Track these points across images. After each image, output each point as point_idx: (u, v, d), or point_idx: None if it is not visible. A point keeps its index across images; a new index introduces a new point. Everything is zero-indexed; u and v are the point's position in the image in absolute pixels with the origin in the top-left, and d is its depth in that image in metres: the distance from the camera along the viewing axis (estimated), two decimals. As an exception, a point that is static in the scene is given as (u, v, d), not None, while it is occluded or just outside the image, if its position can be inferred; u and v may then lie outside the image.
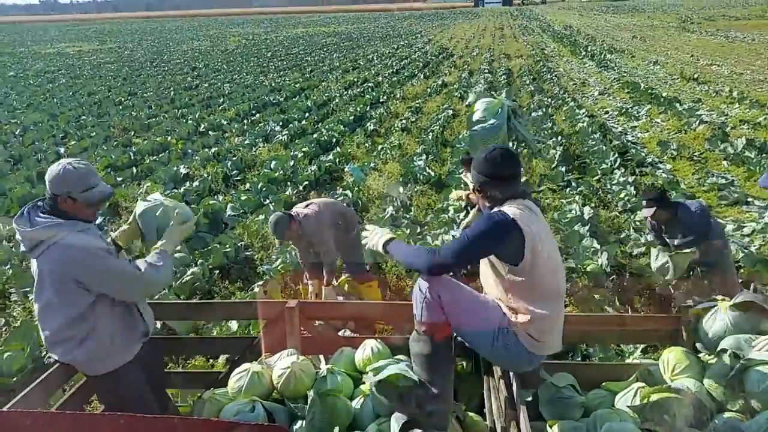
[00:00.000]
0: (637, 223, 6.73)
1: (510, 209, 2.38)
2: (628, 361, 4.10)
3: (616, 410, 2.48)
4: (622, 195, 7.60)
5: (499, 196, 2.47)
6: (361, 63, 26.45)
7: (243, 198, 7.72)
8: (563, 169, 8.73)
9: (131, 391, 2.70)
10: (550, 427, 2.48)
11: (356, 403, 2.71)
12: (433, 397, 2.45)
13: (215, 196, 8.14)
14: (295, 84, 20.10)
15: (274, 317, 3.22)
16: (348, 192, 7.89)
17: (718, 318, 2.71)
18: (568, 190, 8.04)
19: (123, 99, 18.31)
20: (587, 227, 6.41)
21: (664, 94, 15.11)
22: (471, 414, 2.83)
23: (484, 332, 2.49)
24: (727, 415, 2.38)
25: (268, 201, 7.79)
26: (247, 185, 8.56)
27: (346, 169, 9.29)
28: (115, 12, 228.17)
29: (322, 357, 3.14)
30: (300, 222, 4.56)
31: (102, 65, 30.03)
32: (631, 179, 8.16)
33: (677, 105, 13.71)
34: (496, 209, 2.43)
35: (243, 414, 2.53)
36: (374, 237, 2.64)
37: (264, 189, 8.17)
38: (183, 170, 9.35)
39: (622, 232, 6.72)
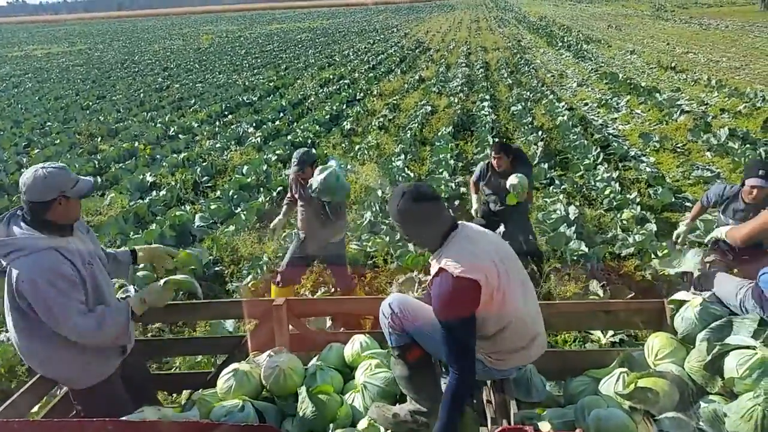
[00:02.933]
0: (624, 222, 6.49)
1: (453, 258, 2.22)
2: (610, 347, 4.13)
3: (603, 396, 2.51)
4: (606, 192, 7.35)
5: (433, 237, 2.34)
6: (337, 59, 26.01)
7: (213, 207, 7.31)
8: (545, 165, 8.47)
9: (111, 405, 2.63)
10: (539, 414, 2.49)
11: (347, 399, 2.70)
12: (426, 414, 2.45)
13: (183, 206, 7.72)
14: (269, 82, 19.62)
15: (261, 316, 3.21)
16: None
17: (686, 316, 2.76)
18: (551, 188, 7.78)
19: (91, 103, 17.68)
20: (573, 228, 6.15)
21: (642, 84, 14.97)
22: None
23: (443, 355, 2.44)
24: (709, 398, 2.45)
25: (239, 209, 7.40)
26: (218, 192, 8.16)
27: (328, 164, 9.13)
28: (85, 12, 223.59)
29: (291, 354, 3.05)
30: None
31: (70, 68, 29.15)
32: (615, 175, 7.93)
33: (657, 95, 13.57)
34: (437, 267, 2.27)
35: (233, 414, 2.51)
36: None
37: (235, 196, 7.77)
38: (149, 178, 8.89)
39: (608, 231, 6.48)
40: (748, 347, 2.43)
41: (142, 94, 18.73)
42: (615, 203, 6.98)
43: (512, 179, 4.92)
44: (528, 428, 1.94)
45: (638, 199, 7.02)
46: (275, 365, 2.75)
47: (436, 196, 2.35)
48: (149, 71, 25.38)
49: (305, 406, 2.54)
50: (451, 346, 2.26)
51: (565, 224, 6.30)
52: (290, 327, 3.25)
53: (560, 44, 26.48)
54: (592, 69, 18.96)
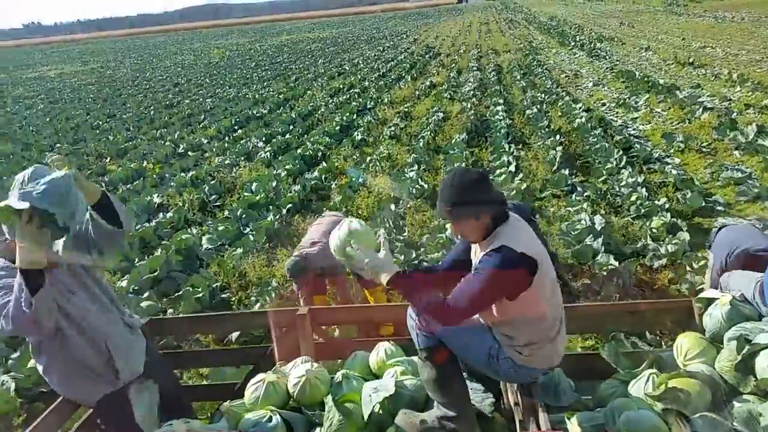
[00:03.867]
0: (654, 230, 6.10)
1: (512, 240, 2.25)
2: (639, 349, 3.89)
3: (633, 398, 2.48)
4: (633, 198, 6.95)
5: (489, 222, 2.34)
6: (347, 68, 25.81)
7: (220, 228, 7.04)
8: (566, 171, 8.09)
9: (129, 419, 2.60)
10: (568, 418, 2.46)
11: (374, 407, 2.62)
12: (454, 419, 2.46)
13: (190, 228, 7.46)
14: (279, 95, 19.44)
15: (285, 325, 3.24)
16: (336, 213, 7.24)
17: (714, 315, 2.73)
18: (573, 195, 7.39)
19: (101, 122, 17.62)
20: (600, 239, 5.77)
21: (661, 82, 14.49)
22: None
23: (476, 358, 2.50)
24: (742, 397, 2.40)
25: (248, 230, 7.12)
26: (226, 212, 7.89)
27: (346, 171, 9.62)
28: (99, 30, 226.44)
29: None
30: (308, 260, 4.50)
31: (82, 87, 29.32)
32: (640, 179, 7.52)
33: (677, 92, 13.11)
34: (499, 245, 2.26)
35: (261, 425, 2.53)
36: (373, 264, 2.37)
37: (244, 216, 7.50)
38: (157, 200, 8.66)
39: (638, 241, 6.08)
40: None
41: (152, 111, 18.66)
42: (643, 210, 6.58)
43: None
44: None
45: (667, 205, 6.61)
46: (301, 375, 2.76)
47: (489, 183, 2.36)
48: (160, 87, 25.39)
49: (332, 415, 2.55)
50: (468, 289, 2.25)
51: (591, 235, 5.93)
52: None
53: (573, 44, 26.03)
54: (607, 68, 18.50)
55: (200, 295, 5.31)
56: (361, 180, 8.73)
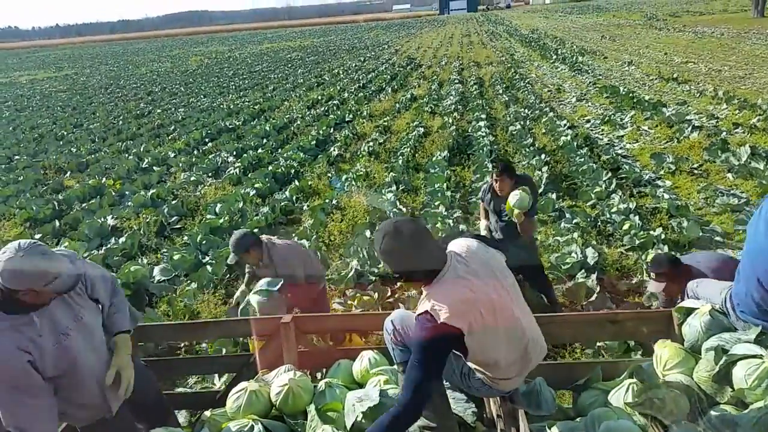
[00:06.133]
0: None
1: (437, 306, 2.15)
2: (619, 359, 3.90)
3: (613, 408, 2.48)
4: (626, 227, 6.45)
5: (422, 274, 2.27)
6: (327, 78, 25.26)
7: (176, 257, 6.38)
8: (553, 195, 7.58)
9: None
10: (549, 428, 2.46)
11: (357, 415, 2.60)
12: (434, 429, 2.47)
13: (144, 256, 6.78)
14: (254, 105, 18.78)
15: (269, 333, 3.20)
16: (305, 241, 6.63)
17: (692, 324, 2.72)
18: (562, 222, 6.87)
19: (66, 132, 16.81)
20: (594, 275, 5.25)
21: (646, 98, 14.16)
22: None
23: (450, 375, 2.52)
24: (719, 407, 2.39)
25: (207, 258, 6.47)
26: (185, 237, 7.22)
27: (330, 181, 9.47)
28: (78, 36, 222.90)
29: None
30: (268, 249, 4.17)
31: (53, 94, 28.34)
32: (632, 205, 7.03)
33: (663, 109, 12.74)
34: (423, 308, 2.20)
35: None
36: None
37: (204, 243, 6.84)
38: (111, 221, 7.94)
39: (633, 276, 5.57)
40: (755, 356, 2.36)
41: (120, 122, 17.87)
42: (637, 241, 6.07)
43: (513, 196, 4.49)
44: None
45: (663, 236, 6.12)
46: (284, 384, 2.73)
47: (420, 233, 2.22)
48: (132, 96, 24.56)
49: (315, 424, 2.56)
50: (410, 380, 2.17)
51: (584, 270, 5.41)
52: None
53: (554, 57, 25.77)
54: (590, 82, 18.17)
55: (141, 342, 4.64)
56: (343, 189, 8.69)
